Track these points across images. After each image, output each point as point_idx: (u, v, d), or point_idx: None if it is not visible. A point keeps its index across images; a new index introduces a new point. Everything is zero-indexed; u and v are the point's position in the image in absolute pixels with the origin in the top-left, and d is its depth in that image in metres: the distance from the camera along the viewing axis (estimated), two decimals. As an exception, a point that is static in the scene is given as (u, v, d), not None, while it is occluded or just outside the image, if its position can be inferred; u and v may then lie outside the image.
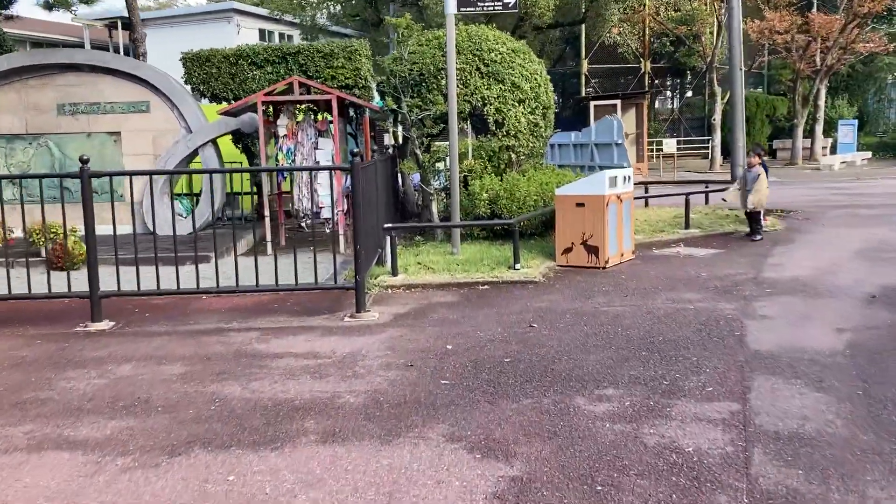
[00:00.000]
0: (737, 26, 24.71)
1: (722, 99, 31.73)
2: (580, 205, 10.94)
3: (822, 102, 33.91)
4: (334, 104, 12.41)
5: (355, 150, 14.81)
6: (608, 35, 34.32)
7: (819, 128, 34.12)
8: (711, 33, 32.41)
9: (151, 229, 10.41)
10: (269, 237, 12.62)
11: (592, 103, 26.34)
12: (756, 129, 35.26)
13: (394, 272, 10.18)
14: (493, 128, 12.94)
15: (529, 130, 13.24)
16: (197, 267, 8.36)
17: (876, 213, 15.87)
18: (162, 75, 14.18)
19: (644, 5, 33.34)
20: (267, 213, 12.66)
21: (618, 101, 26.01)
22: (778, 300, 8.50)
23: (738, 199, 13.29)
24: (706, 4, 32.69)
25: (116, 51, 35.09)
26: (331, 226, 12.55)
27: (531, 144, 13.36)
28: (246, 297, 9.33)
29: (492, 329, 7.59)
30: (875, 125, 40.14)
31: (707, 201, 16.80)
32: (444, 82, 12.34)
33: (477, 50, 13.07)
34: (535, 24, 28.66)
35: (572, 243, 11.01)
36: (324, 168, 9.91)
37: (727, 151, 35.20)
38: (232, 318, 8.58)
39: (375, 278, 10.17)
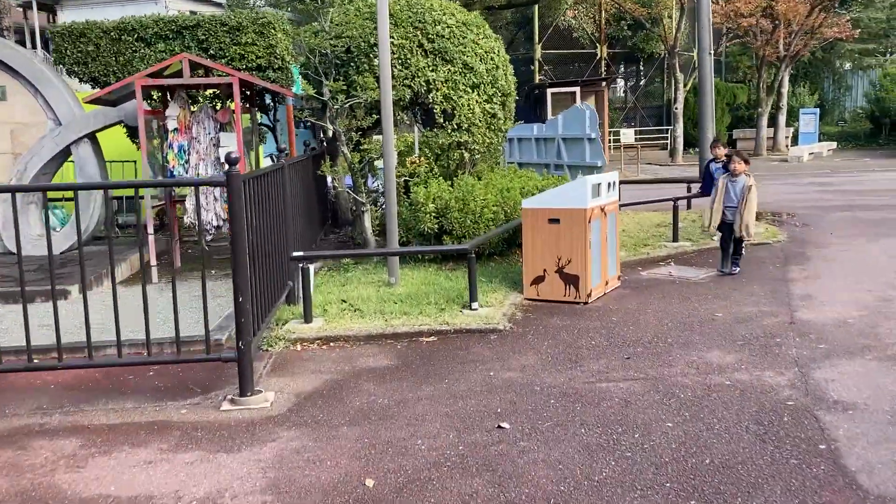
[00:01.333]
0: (706, 4, 22.35)
1: (684, 86, 29.44)
2: (554, 221, 8.27)
3: (785, 90, 31.92)
4: (235, 89, 9.51)
5: (281, 147, 11.96)
6: (563, 18, 31.79)
7: (782, 117, 32.13)
8: (670, 17, 30.05)
9: (12, 249, 7.48)
10: (153, 260, 9.69)
11: (549, 91, 23.77)
12: (716, 119, 33.07)
13: (307, 317, 7.38)
14: (441, 119, 10.18)
15: (485, 123, 10.52)
16: (55, 306, 5.46)
17: (881, 216, 13.54)
18: (22, 55, 11.08)
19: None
20: (151, 230, 9.73)
21: (577, 89, 23.47)
22: (844, 367, 5.92)
23: (710, 218, 9.59)
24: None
25: (32, 35, 31.44)
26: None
27: (488, 140, 10.64)
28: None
29: (440, 434, 4.85)
30: (833, 114, 38.41)
31: (689, 205, 14.29)
32: (377, 62, 9.55)
33: (419, 22, 10.27)
34: (487, 4, 25.93)
35: (544, 271, 8.34)
36: (186, 183, 7.08)
37: (688, 142, 33.25)
38: (60, 400, 5.73)
39: (282, 325, 7.36)
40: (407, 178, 9.86)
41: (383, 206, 10.35)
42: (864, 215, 13.67)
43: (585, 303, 8.19)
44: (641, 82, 39.29)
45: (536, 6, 30.83)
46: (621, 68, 40.58)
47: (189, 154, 10.11)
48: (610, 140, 31.91)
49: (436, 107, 10.09)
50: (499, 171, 11.69)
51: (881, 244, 10.97)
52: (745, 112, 36.49)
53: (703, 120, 23.25)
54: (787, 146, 32.71)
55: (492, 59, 10.74)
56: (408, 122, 11.15)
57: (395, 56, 9.96)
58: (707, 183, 11.35)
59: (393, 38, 9.94)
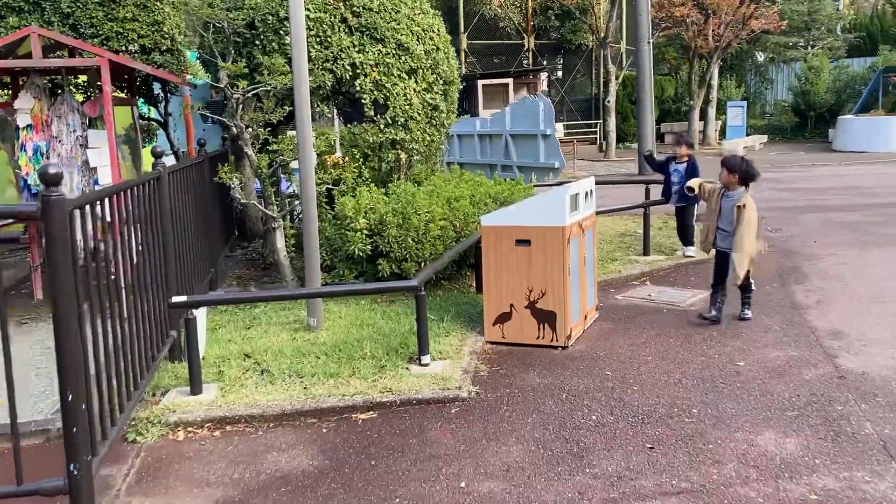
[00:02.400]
0: (645, -9, 20.81)
1: (616, 79, 28.05)
2: (523, 243, 6.34)
3: (715, 83, 30.92)
4: (105, 74, 7.24)
5: (176, 148, 9.62)
6: (488, 8, 29.99)
7: (712, 110, 31.13)
8: (599, 5, 28.59)
9: None
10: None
11: (480, 83, 21.90)
12: (646, 112, 31.91)
13: (194, 386, 5.24)
14: (371, 112, 8.12)
15: (425, 116, 8.52)
16: None
17: (854, 219, 12.15)
18: None
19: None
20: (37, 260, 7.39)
21: (509, 80, 21.68)
22: (956, 455, 4.20)
23: (707, 239, 7.00)
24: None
25: None
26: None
27: (429, 137, 8.64)
28: None
29: None
30: (756, 107, 37.80)
31: (647, 197, 12.60)
32: (288, 40, 7.43)
33: (342, -9, 8.19)
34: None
35: (511, 307, 6.42)
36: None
37: (618, 137, 31.94)
38: None
39: (160, 395, 5.24)
40: (330, 186, 7.77)
41: (301, 218, 8.26)
42: (837, 218, 12.25)
43: (565, 347, 6.31)
44: (570, 75, 37.87)
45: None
46: (548, 60, 39.09)
47: (48, 157, 7.80)
48: (540, 134, 30.32)
49: (364, 96, 8.02)
50: (441, 175, 9.72)
51: (877, 255, 9.46)
52: (672, 105, 35.50)
53: (642, 114, 21.81)
54: (717, 140, 31.78)
55: (431, 38, 8.74)
56: (329, 116, 9.05)
57: (312, 33, 7.85)
58: (666, 186, 9.65)
59: (309, 9, 7.83)
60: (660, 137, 31.75)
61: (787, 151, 27.42)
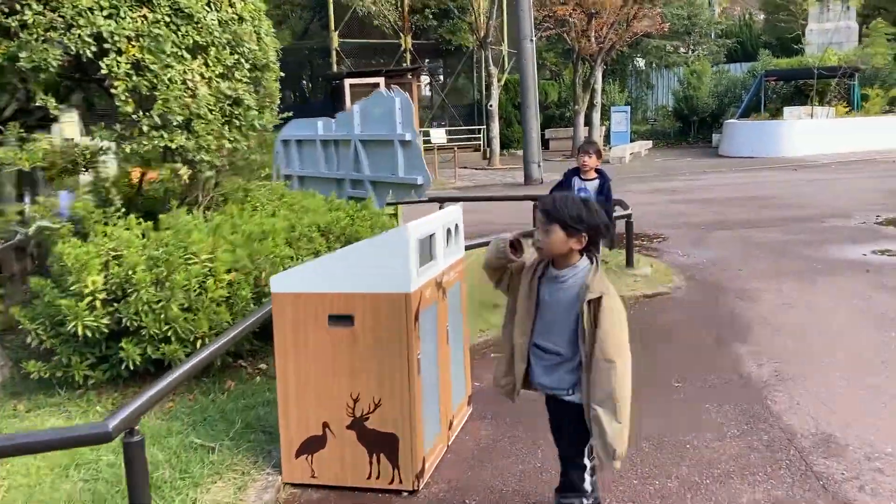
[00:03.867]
0: (527, -17, 18.66)
1: (499, 81, 25.96)
2: (342, 320, 3.74)
3: (599, 87, 29.33)
4: None
5: None
6: (361, 4, 27.31)
7: (597, 115, 29.50)
8: (478, 5, 26.44)
9: None
10: None
11: (348, 82, 19.19)
12: (530, 117, 30.03)
13: None
14: (129, 108, 5.30)
15: (221, 113, 5.77)
16: None
17: (774, 238, 10.21)
18: None
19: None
20: None
21: (381, 80, 19.09)
22: None
23: (509, 372, 3.21)
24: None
25: None
26: None
27: (229, 143, 5.88)
28: None
29: None
30: (637, 112, 36.71)
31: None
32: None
33: (84, -74, 5.33)
34: (269, -20, 20.95)
35: (325, 426, 3.79)
36: None
37: (503, 143, 29.91)
38: None
39: None
40: (45, 224, 4.91)
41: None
42: (755, 237, 10.26)
43: (414, 490, 3.74)
44: (450, 78, 35.67)
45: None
46: (428, 62, 36.77)
47: None
48: (421, 142, 27.88)
49: (117, 84, 5.21)
50: (260, 194, 6.99)
51: (826, 290, 7.38)
52: (556, 111, 33.88)
53: (527, 118, 19.66)
54: (603, 146, 30.25)
55: (231, 4, 6.00)
56: (67, 112, 6.18)
57: (30, -15, 5.01)
58: None
59: (20, -52, 4.97)
60: (545, 144, 29.98)
61: (672, 157, 26.08)
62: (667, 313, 6.81)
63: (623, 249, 8.41)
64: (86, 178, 7.12)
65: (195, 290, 4.67)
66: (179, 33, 5.50)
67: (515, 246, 3.17)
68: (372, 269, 3.69)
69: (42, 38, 5.02)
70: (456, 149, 23.30)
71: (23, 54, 4.95)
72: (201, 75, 5.59)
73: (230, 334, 4.12)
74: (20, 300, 5.41)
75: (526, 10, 18.20)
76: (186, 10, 5.55)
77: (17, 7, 5.02)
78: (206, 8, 5.74)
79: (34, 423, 4.40)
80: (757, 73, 29.80)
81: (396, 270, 3.65)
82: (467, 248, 7.24)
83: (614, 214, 7.54)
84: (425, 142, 28.11)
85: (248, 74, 6.09)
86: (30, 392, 4.86)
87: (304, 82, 37.94)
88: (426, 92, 40.19)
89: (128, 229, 5.15)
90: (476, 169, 24.26)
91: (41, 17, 5.03)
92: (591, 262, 3.02)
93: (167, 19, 5.46)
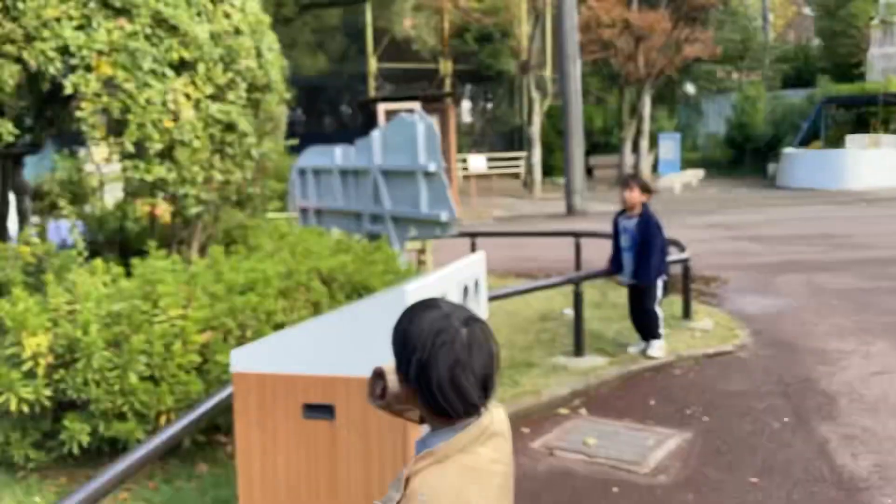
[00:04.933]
0: (570, 2, 17.89)
1: (541, 107, 25.18)
2: (318, 410, 2.90)
3: (647, 113, 28.36)
4: None
5: None
6: (400, 27, 26.84)
7: (645, 142, 28.53)
8: (520, 29, 25.75)
9: None
10: None
11: (381, 107, 18.57)
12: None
13: None
14: (98, 135, 4.56)
15: (210, 141, 5.01)
16: None
17: (851, 283, 9.14)
18: None
19: (442, -11, 26.14)
20: None
21: (416, 104, 18.39)
22: None
23: None
24: (517, -9, 26.06)
25: None
26: None
27: (220, 175, 5.12)
28: None
29: None
30: (687, 139, 35.56)
31: (577, 264, 9.39)
32: None
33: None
34: (305, 2, 20.53)
35: (295, 551, 2.94)
36: None
37: (544, 170, 29.04)
38: None
39: None
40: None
41: None
42: (828, 283, 9.18)
43: None
44: (489, 104, 35.02)
45: (369, 10, 25.72)
46: (468, 87, 36.19)
47: None
48: (459, 169, 27.19)
49: (84, 105, 4.48)
50: (261, 231, 6.22)
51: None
52: (601, 138, 32.91)
53: (570, 145, 18.77)
54: (650, 175, 29.21)
55: (226, 15, 5.27)
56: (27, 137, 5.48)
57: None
58: (616, 254, 6.37)
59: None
60: (588, 172, 29.05)
61: (726, 188, 24.90)
62: (733, 378, 5.83)
63: (679, 296, 7.45)
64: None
65: (158, 355, 3.87)
66: (162, 47, 4.78)
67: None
68: (359, 345, 2.85)
69: (-3, 49, 4.34)
70: (494, 176, 22.45)
71: (-31, 69, 4.26)
72: (187, 96, 4.85)
73: (194, 413, 3.31)
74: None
75: (570, 29, 17.39)
76: (171, 21, 4.82)
77: (-29, 16, 4.35)
78: (196, 19, 5.02)
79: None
80: (815, 99, 28.53)
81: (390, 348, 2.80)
82: (498, 297, 6.37)
83: (668, 258, 6.60)
84: (463, 169, 27.42)
85: (245, 96, 5.34)
86: (-35, 471, 4.10)
87: (344, 108, 37.63)
88: (467, 118, 39.60)
89: (92, 275, 4.40)
90: (516, 198, 23.41)
91: (-5, 27, 4.34)
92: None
93: (148, 31, 4.74)
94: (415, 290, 2.90)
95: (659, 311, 6.22)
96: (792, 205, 18.72)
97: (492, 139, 32.95)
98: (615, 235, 6.27)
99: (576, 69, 17.77)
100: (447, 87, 28.68)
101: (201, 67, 4.99)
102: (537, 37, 24.81)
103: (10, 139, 4.52)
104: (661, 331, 6.23)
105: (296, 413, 2.93)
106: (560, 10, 17.86)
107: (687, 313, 7.24)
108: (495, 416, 1.65)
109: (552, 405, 5.36)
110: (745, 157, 30.81)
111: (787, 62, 35.41)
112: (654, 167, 30.10)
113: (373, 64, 27.19)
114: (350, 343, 2.87)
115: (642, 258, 6.05)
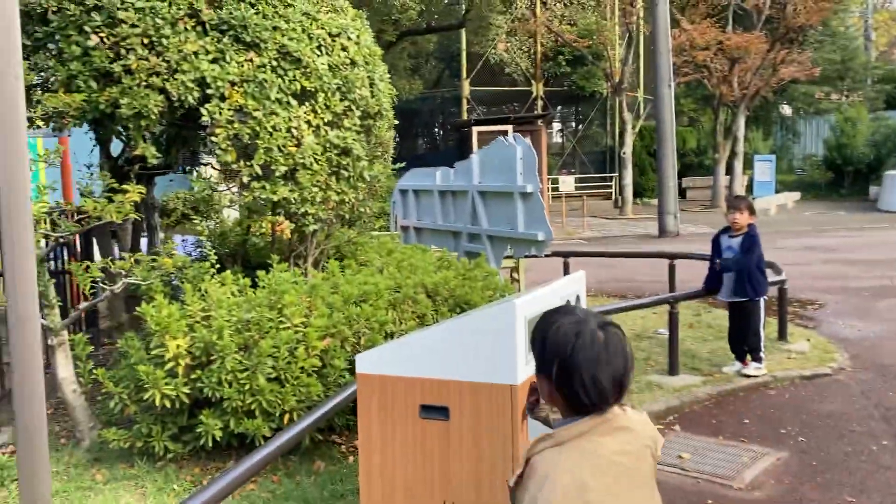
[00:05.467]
0: (663, 25, 17.88)
1: (633, 128, 25.08)
2: (434, 411, 3.15)
3: (741, 135, 27.80)
4: None
5: None
6: (493, 52, 27.24)
7: (739, 164, 27.94)
8: (613, 52, 25.71)
9: None
10: None
11: (475, 129, 18.95)
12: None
13: None
14: (230, 158, 4.99)
15: (329, 164, 5.39)
16: None
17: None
18: None
19: (535, 14, 26.42)
20: None
21: (509, 127, 18.71)
22: None
23: None
24: (611, 15, 26.07)
25: None
26: None
27: (335, 196, 5.49)
28: None
29: None
30: (783, 161, 34.56)
31: (671, 284, 9.39)
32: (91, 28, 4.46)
33: (196, -32, 5.15)
34: (403, 29, 21.16)
35: (412, 539, 3.20)
36: None
37: (636, 191, 28.82)
38: None
39: None
40: (137, 282, 4.60)
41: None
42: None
43: None
44: (582, 126, 34.99)
45: (464, 35, 26.24)
46: (560, 109, 36.29)
47: None
48: (549, 189, 27.30)
49: (218, 131, 4.92)
50: (370, 247, 6.58)
51: None
52: (695, 159, 32.43)
53: (663, 166, 18.66)
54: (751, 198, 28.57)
55: (343, 49, 5.67)
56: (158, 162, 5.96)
57: (138, 30, 4.83)
58: (713, 273, 6.42)
59: (129, -9, 4.83)
60: (682, 193, 28.67)
61: (823, 211, 24.13)
62: (830, 401, 5.80)
63: (775, 318, 7.42)
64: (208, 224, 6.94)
65: (283, 359, 4.21)
66: (286, 78, 5.19)
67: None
68: (471, 352, 3.09)
69: (145, 83, 4.82)
70: (584, 197, 22.48)
71: (124, 101, 4.75)
72: (308, 123, 5.24)
73: (317, 413, 3.64)
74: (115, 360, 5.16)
75: (664, 53, 17.36)
76: (295, 55, 5.24)
77: (123, 52, 4.85)
78: (317, 52, 5.42)
79: (106, 499, 4.03)
80: (921, 120, 27.37)
81: (501, 357, 3.04)
82: (618, 310, 6.49)
83: (768, 280, 6.59)
84: (553, 189, 27.49)
85: (359, 122, 5.71)
86: (112, 459, 4.53)
87: (437, 130, 38.30)
88: (557, 139, 39.63)
89: (223, 285, 4.81)
90: (606, 218, 23.32)
91: (145, 62, 4.83)
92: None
93: (274, 63, 5.17)
94: (524, 305, 3.13)
95: (762, 332, 6.24)
96: (892, 228, 18.03)
97: (582, 160, 32.91)
98: (715, 254, 6.33)
99: (670, 92, 17.70)
100: (538, 109, 28.88)
101: (321, 97, 5.39)
102: (630, 59, 24.76)
103: (154, 161, 5.01)
104: (763, 353, 6.25)
105: (413, 412, 3.19)
106: (654, 34, 17.85)
107: (783, 335, 7.21)
108: (628, 413, 1.80)
109: (646, 420, 5.46)
110: (845, 179, 29.76)
111: (891, 82, 34.08)
112: (749, 189, 29.44)
113: (466, 87, 27.67)
114: (463, 350, 3.11)
115: (748, 273, 6.10)
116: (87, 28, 4.83)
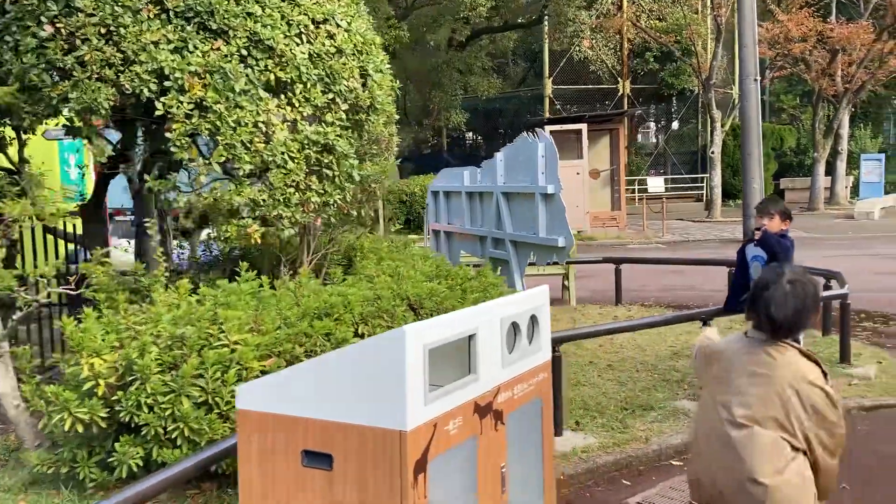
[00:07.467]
0: (750, 16, 16.54)
1: (722, 126, 23.59)
2: (317, 458, 2.56)
3: (844, 132, 25.80)
4: None
5: None
6: (577, 49, 26.24)
7: (842, 164, 26.00)
8: (704, 48, 24.28)
9: None
10: None
11: (548, 129, 18.10)
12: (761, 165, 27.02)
13: None
14: (185, 156, 4.53)
15: (307, 162, 4.86)
16: None
17: None
18: None
19: (621, 9, 25.28)
20: None
21: (583, 126, 17.76)
22: None
23: None
24: (700, 9, 24.67)
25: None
26: None
27: (315, 197, 4.95)
28: None
29: None
30: (894, 161, 31.93)
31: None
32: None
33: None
34: (477, 27, 20.56)
35: None
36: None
37: (727, 193, 27.20)
38: None
39: None
40: (56, 290, 4.19)
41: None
42: None
43: None
44: (673, 124, 33.45)
45: (545, 32, 25.40)
46: (650, 109, 34.81)
47: None
48: (634, 189, 26.13)
49: (175, 127, 4.46)
50: (369, 258, 6.02)
51: None
52: (794, 158, 30.40)
53: (748, 165, 17.29)
54: (847, 199, 26.53)
55: (329, 35, 5.13)
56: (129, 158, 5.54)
57: (95, 19, 4.45)
58: (737, 285, 5.50)
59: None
60: (780, 194, 26.85)
61: (938, 214, 21.99)
62: (892, 440, 4.84)
63: (837, 336, 6.42)
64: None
65: (213, 378, 3.70)
66: (257, 68, 4.70)
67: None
68: (358, 389, 2.48)
69: (96, 75, 4.42)
70: (664, 199, 21.26)
71: (72, 94, 4.36)
72: (276, 116, 4.73)
73: (198, 456, 3.14)
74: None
75: (749, 45, 15.98)
76: (267, 42, 4.74)
77: (78, 43, 4.47)
78: (296, 40, 4.90)
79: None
80: None
81: (388, 396, 2.41)
82: (620, 330, 5.76)
83: (823, 293, 5.64)
84: (641, 190, 26.23)
85: (346, 117, 5.16)
86: (50, 483, 4.14)
87: (522, 130, 37.58)
88: (652, 138, 38.10)
89: (179, 296, 4.35)
90: (692, 221, 22.00)
91: (99, 54, 4.43)
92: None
93: (244, 52, 4.68)
94: (419, 331, 2.48)
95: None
96: None
97: (674, 160, 31.42)
98: (741, 268, 5.43)
99: (756, 87, 16.37)
100: (625, 107, 27.71)
101: (299, 88, 4.87)
102: (720, 53, 23.30)
103: (102, 160, 4.61)
104: None
105: (295, 458, 2.60)
106: (740, 25, 16.55)
107: (844, 356, 6.19)
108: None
109: (661, 455, 4.68)
110: (965, 180, 27.19)
111: None
112: (855, 190, 27.32)
113: (548, 86, 26.80)
114: (351, 387, 2.50)
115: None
116: (43, 18, 4.48)
